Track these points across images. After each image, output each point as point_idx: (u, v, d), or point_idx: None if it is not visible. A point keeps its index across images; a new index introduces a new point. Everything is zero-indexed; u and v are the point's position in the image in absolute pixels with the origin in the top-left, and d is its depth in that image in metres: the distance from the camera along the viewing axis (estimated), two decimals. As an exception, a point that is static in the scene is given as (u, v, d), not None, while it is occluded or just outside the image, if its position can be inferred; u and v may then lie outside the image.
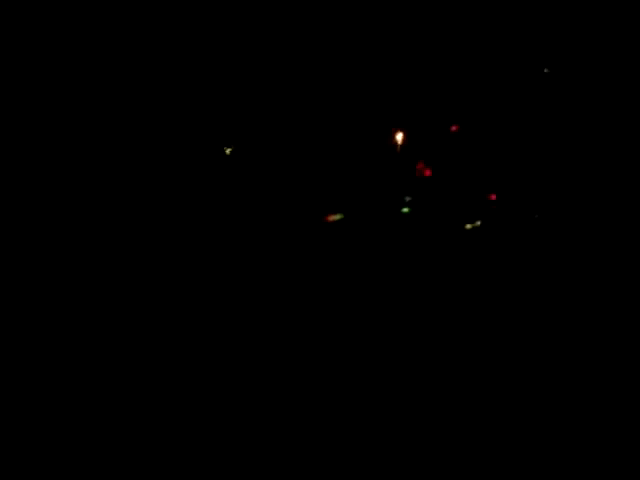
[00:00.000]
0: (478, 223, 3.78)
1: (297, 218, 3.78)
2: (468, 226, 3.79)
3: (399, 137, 3.89)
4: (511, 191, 3.85)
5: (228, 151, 3.81)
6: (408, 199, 3.86)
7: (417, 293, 3.66)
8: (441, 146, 3.92)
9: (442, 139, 3.93)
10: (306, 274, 3.67)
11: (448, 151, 3.92)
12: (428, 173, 3.89)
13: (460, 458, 3.24)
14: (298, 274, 3.67)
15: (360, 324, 3.58)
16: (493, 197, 3.86)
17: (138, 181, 3.69)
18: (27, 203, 3.62)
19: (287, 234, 3.75)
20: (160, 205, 3.67)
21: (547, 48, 3.87)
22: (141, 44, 3.76)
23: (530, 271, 3.69)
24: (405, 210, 3.85)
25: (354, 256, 3.74)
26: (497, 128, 3.90)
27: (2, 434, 3.20)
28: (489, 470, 3.21)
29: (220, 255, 3.66)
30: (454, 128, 3.92)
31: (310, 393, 3.39)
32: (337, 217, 3.80)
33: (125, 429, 3.25)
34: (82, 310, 3.49)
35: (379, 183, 3.88)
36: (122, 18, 3.76)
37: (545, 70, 3.86)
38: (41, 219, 3.60)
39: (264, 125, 3.88)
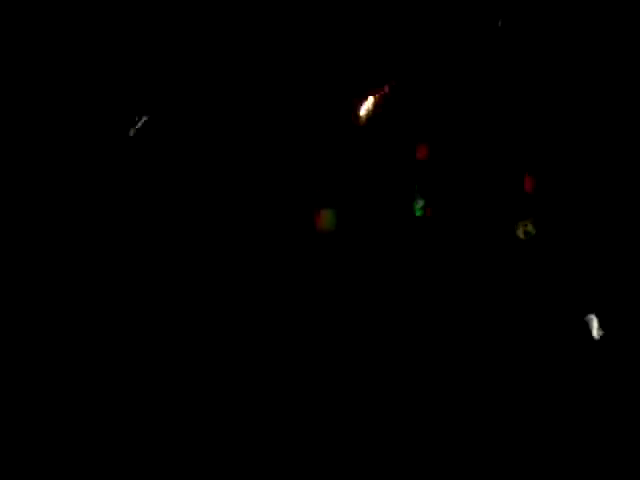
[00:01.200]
0: None
1: None
2: None
3: None
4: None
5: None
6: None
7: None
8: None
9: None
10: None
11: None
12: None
13: (460, 458, 3.25)
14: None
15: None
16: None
17: (137, 180, 3.70)
18: (27, 203, 3.63)
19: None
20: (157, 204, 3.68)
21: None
22: (141, 43, 3.78)
23: None
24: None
25: None
26: None
27: (2, 434, 3.21)
28: (489, 470, 3.22)
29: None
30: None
31: (306, 390, 3.39)
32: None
33: (124, 429, 3.26)
34: (81, 310, 3.50)
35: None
36: (122, 18, 3.78)
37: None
38: (41, 219, 3.61)
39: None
